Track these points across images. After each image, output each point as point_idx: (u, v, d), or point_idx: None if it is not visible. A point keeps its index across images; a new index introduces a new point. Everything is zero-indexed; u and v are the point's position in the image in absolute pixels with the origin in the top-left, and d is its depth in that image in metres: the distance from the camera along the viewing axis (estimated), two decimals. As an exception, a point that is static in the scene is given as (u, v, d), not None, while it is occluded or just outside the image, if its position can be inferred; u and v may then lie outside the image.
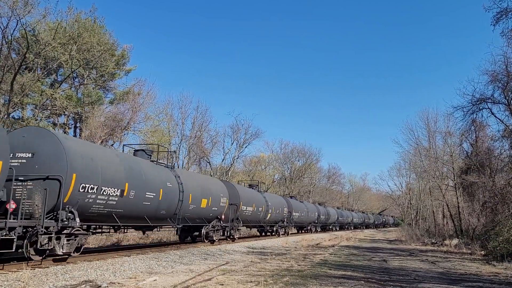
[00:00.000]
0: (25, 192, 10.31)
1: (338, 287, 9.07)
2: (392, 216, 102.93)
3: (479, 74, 53.90)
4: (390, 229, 79.41)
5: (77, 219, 11.06)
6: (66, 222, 10.75)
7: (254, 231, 33.43)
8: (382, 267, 13.74)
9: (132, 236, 22.19)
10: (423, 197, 44.26)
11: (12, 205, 9.84)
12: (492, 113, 23.54)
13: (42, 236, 10.28)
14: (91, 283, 8.30)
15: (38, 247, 10.29)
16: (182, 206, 16.52)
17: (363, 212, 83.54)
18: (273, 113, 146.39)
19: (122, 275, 9.72)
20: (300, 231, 42.97)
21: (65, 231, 11.00)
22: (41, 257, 10.81)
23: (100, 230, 14.41)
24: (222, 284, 8.77)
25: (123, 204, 13.02)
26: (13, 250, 9.68)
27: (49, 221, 10.47)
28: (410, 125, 46.52)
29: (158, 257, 13.39)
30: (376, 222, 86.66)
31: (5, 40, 22.73)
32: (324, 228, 51.16)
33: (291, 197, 41.30)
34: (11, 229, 9.50)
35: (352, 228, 66.63)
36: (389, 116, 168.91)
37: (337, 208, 63.15)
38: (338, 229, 56.62)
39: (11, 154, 10.15)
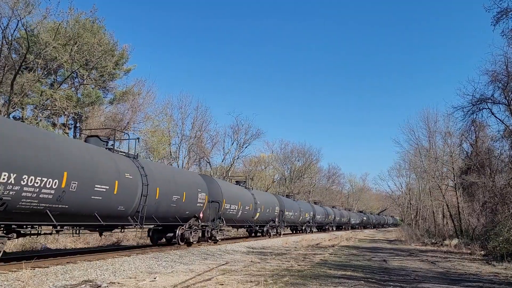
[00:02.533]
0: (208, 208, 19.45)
1: (338, 287, 9.07)
2: (392, 216, 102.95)
3: (479, 74, 54.07)
4: (390, 229, 79.38)
5: (224, 222, 21.01)
6: (221, 224, 20.68)
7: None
8: (382, 267, 13.75)
9: (132, 236, 22.26)
10: (423, 197, 44.20)
11: (200, 215, 17.80)
12: (492, 113, 23.56)
13: (212, 230, 20.23)
14: (91, 283, 8.29)
15: (210, 235, 20.28)
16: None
17: (371, 213, 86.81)
18: (273, 113, 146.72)
19: (122, 275, 9.72)
20: (319, 231, 46.91)
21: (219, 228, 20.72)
22: (211, 241, 20.48)
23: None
24: (222, 284, 8.77)
25: (238, 213, 22.90)
26: (205, 237, 20.05)
27: (216, 222, 20.31)
28: (411, 125, 46.59)
29: (158, 257, 13.38)
30: (376, 222, 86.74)
31: (5, 40, 22.72)
32: (340, 228, 57.60)
33: (315, 202, 48.49)
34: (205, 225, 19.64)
35: (361, 228, 70.73)
36: (389, 117, 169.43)
37: (348, 210, 68.24)
38: (349, 228, 61.72)
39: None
